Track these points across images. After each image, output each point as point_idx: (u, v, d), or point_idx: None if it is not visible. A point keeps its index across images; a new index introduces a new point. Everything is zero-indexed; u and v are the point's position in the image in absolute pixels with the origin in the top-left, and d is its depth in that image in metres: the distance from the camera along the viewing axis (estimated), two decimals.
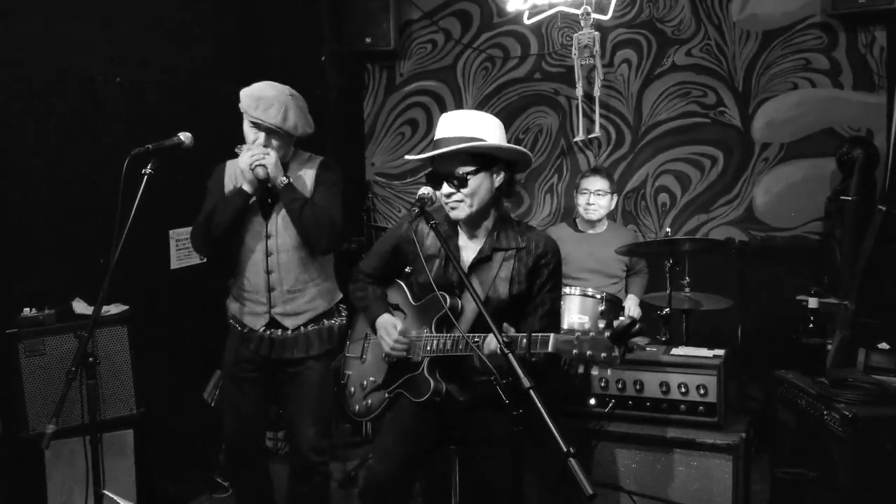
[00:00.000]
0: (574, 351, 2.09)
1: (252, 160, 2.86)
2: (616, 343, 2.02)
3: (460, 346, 2.41)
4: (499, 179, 2.49)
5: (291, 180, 2.94)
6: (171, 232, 4.02)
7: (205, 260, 4.12)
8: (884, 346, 3.45)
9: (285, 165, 2.99)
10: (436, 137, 2.49)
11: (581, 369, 3.27)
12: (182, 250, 4.07)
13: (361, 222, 5.38)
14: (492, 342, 2.26)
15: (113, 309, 3.38)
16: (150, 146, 2.66)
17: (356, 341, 2.89)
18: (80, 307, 3.38)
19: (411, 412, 2.60)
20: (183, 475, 3.97)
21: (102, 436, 2.78)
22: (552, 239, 2.57)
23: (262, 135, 2.91)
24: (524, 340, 2.17)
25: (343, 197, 3.10)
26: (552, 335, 2.15)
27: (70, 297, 3.40)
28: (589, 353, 2.06)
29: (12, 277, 3.35)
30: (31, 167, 3.40)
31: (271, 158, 2.88)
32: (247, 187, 2.94)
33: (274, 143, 2.93)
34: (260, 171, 2.87)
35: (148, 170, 2.64)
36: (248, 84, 2.99)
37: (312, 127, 3.04)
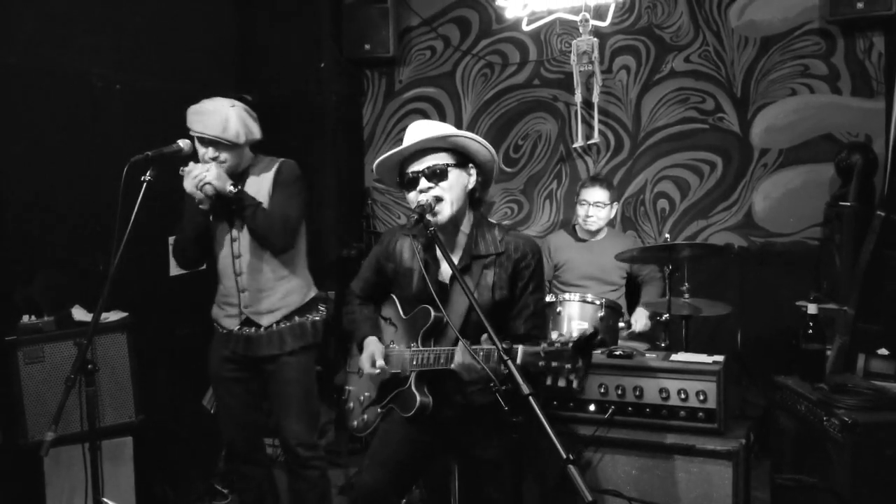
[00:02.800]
0: (540, 363, 2.11)
1: (196, 181, 2.92)
2: (579, 354, 2.06)
3: (441, 360, 2.41)
4: (472, 181, 2.50)
5: (241, 188, 3.00)
6: (170, 239, 4.01)
7: (204, 267, 4.13)
8: (883, 351, 3.45)
9: (244, 172, 3.08)
10: (405, 143, 2.49)
11: (561, 382, 3.27)
12: None
13: (361, 229, 5.39)
14: (461, 354, 2.28)
15: (112, 316, 3.38)
16: (149, 153, 2.68)
17: (355, 356, 2.90)
18: (80, 314, 3.38)
19: (403, 422, 2.60)
20: (182, 482, 3.96)
21: (102, 443, 2.78)
22: (531, 240, 2.57)
23: (210, 148, 2.97)
24: (495, 354, 2.16)
25: (301, 195, 3.14)
26: (521, 347, 2.15)
27: (69, 305, 3.40)
28: (554, 364, 2.09)
29: (12, 285, 3.35)
30: (31, 174, 3.41)
31: (212, 173, 2.92)
32: (203, 206, 3.00)
33: (223, 154, 2.98)
34: (208, 189, 2.92)
35: (147, 177, 2.66)
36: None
37: (257, 133, 3.08)
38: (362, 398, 2.76)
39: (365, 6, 5.21)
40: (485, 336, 2.23)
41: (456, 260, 2.50)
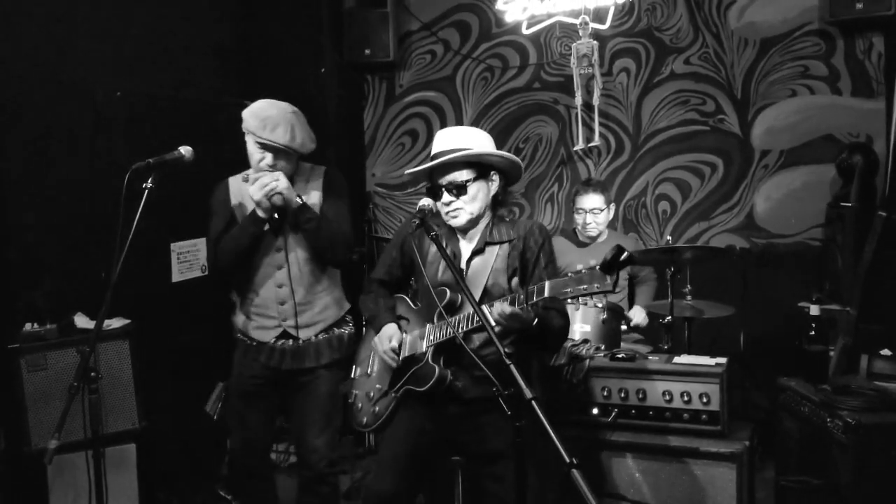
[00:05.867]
0: (568, 289, 2.14)
1: (266, 190, 2.83)
2: (607, 272, 2.07)
3: (463, 325, 2.45)
4: (494, 187, 2.61)
5: (304, 199, 2.95)
6: (172, 245, 4.02)
7: (206, 273, 4.13)
8: (886, 352, 3.44)
9: (291, 181, 2.97)
10: (433, 153, 2.59)
11: (581, 375, 3.28)
12: (183, 263, 4.08)
13: (363, 233, 5.39)
14: (497, 307, 2.32)
15: (115, 323, 3.38)
16: (150, 160, 2.67)
17: (362, 361, 2.91)
18: (82, 321, 3.38)
19: (410, 425, 2.63)
20: (186, 489, 3.96)
21: (105, 450, 2.78)
22: (539, 222, 2.67)
23: (269, 155, 2.89)
24: (521, 295, 2.26)
25: (350, 204, 3.14)
26: (547, 281, 2.21)
27: (72, 312, 3.40)
28: (584, 287, 2.12)
29: (14, 292, 3.35)
30: (33, 181, 3.41)
31: (283, 183, 2.85)
32: (263, 214, 2.91)
33: (281, 162, 2.91)
34: (277, 200, 2.86)
35: (149, 184, 2.64)
36: (248, 97, 3.00)
37: (315, 142, 3.05)
38: (372, 393, 2.78)
39: (365, 11, 5.23)
40: (514, 281, 2.41)
41: (472, 245, 2.61)
